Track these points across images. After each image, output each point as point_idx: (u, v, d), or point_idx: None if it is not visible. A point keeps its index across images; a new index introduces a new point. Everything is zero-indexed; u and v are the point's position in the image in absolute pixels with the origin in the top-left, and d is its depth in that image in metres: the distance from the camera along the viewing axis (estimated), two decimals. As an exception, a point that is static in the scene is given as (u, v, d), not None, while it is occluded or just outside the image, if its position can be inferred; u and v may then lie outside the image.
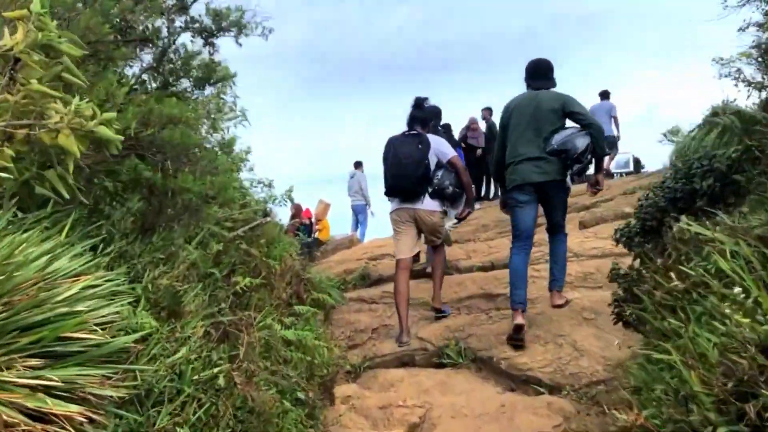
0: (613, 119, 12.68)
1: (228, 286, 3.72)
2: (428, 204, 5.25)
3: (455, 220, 6.47)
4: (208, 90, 4.93)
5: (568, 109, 4.69)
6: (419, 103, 5.50)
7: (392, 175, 5.22)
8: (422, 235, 5.55)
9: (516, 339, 4.41)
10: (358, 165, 13.66)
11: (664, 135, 20.22)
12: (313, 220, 12.69)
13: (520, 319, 4.40)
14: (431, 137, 5.33)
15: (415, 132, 5.33)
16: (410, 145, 5.19)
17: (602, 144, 4.76)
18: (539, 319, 4.61)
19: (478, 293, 5.65)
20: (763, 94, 11.34)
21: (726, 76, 13.43)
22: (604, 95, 13.12)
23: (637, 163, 15.64)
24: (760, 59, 11.16)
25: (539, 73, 4.95)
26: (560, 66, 5.27)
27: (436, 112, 6.90)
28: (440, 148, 5.30)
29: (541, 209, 4.90)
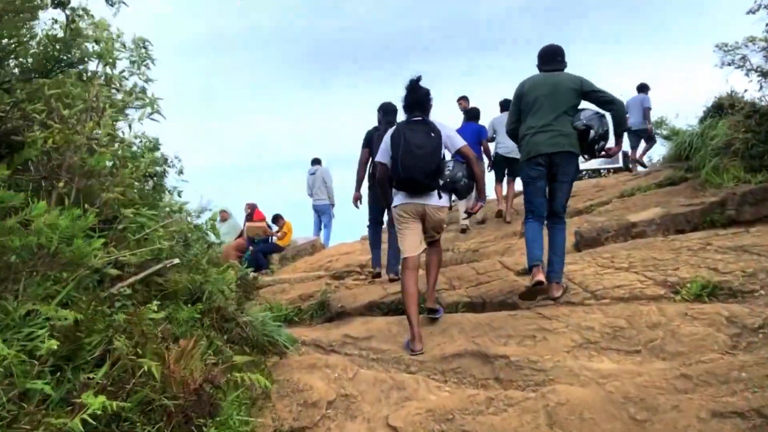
0: (644, 111, 12.51)
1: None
2: (438, 199, 4.81)
3: (465, 215, 7.02)
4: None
5: (587, 89, 4.81)
6: (414, 85, 4.88)
7: (404, 167, 4.63)
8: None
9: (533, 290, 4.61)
10: (316, 162, 12.17)
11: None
12: (270, 225, 11.09)
13: (540, 276, 4.63)
14: (438, 124, 4.84)
15: (419, 118, 4.84)
16: (421, 134, 4.70)
17: (624, 121, 4.92)
18: (565, 417, 3.13)
19: (469, 350, 4.17)
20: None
21: (729, 64, 12.16)
22: (641, 88, 12.70)
23: (626, 157, 14.30)
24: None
25: (553, 57, 5.05)
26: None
27: (392, 109, 6.93)
28: (450, 137, 4.85)
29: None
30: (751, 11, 10.27)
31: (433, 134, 4.71)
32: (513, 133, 5.19)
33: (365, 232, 11.45)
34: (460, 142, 4.88)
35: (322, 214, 12.08)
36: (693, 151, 10.49)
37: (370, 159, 6.91)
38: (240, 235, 11.45)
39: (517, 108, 5.07)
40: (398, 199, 4.90)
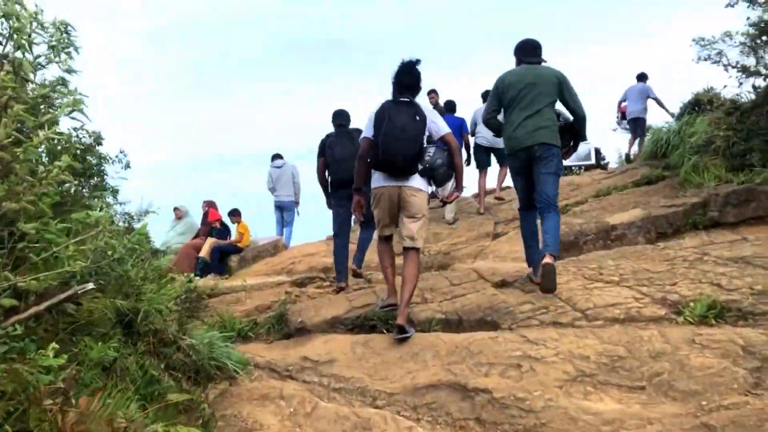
0: (654, 101, 12.30)
1: None
2: (415, 181, 4.64)
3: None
4: None
5: (565, 87, 4.84)
6: (411, 67, 4.70)
7: (385, 148, 4.48)
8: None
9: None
10: (279, 156, 11.46)
11: (618, 123, 18.66)
12: (225, 223, 10.36)
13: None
14: (425, 108, 4.70)
15: (407, 99, 4.65)
16: (407, 116, 4.53)
17: (584, 132, 5.02)
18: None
19: (445, 381, 3.59)
20: (757, 81, 9.67)
21: (706, 59, 11.77)
22: (641, 77, 12.41)
23: (598, 154, 13.92)
24: (757, 40, 9.45)
25: (533, 50, 5.08)
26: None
27: (345, 115, 6.91)
28: (435, 122, 4.67)
29: None
30: (730, 5, 9.87)
31: (418, 117, 4.55)
32: (490, 123, 5.15)
33: (331, 231, 10.89)
34: (445, 129, 4.70)
35: (286, 211, 11.39)
36: (670, 148, 10.08)
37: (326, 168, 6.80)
38: (197, 235, 10.72)
39: (497, 99, 5.04)
40: (375, 180, 4.76)
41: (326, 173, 6.84)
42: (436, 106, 11.08)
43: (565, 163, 13.89)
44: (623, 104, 12.69)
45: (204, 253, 9.65)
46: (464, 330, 4.44)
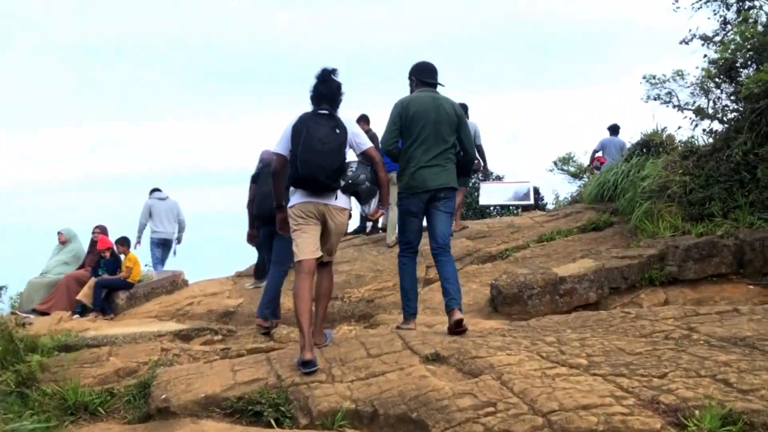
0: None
1: None
2: (340, 200, 4.35)
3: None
4: None
5: (461, 125, 4.83)
6: (327, 77, 4.39)
7: (303, 161, 4.10)
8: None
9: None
10: (158, 190, 10.31)
11: (555, 163, 18.04)
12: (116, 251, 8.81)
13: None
14: (346, 120, 4.39)
15: (326, 111, 4.32)
16: (326, 128, 4.20)
17: (470, 172, 5.48)
18: None
19: None
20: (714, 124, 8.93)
21: (655, 99, 11.08)
22: (615, 130, 11.88)
23: (537, 194, 13.07)
24: (710, 82, 8.72)
25: (434, 74, 4.97)
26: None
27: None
28: (357, 135, 4.41)
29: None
30: (685, 41, 9.18)
31: (338, 130, 4.22)
32: (392, 153, 4.91)
33: (239, 267, 9.50)
34: (367, 143, 4.42)
35: (167, 248, 10.09)
36: (618, 191, 9.21)
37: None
38: (83, 265, 9.15)
39: (398, 128, 4.82)
40: (296, 197, 4.31)
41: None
42: (368, 133, 10.00)
43: (503, 202, 13.04)
44: (598, 154, 11.96)
45: (83, 295, 8.10)
46: (380, 429, 3.20)
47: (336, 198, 4.29)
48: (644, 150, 9.40)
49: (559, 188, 15.90)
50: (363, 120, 10.06)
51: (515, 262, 7.63)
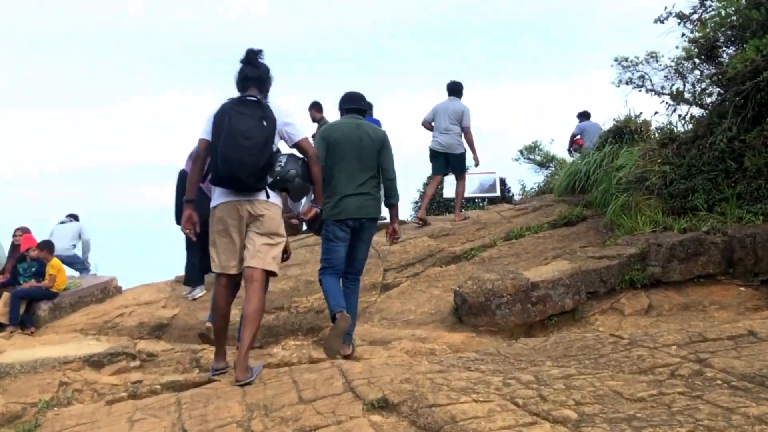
0: None
1: None
2: (265, 195, 3.81)
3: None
4: None
5: (382, 149, 4.78)
6: (252, 58, 3.98)
7: (224, 158, 3.62)
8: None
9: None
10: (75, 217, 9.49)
11: (521, 152, 17.33)
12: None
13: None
14: (276, 108, 3.88)
15: (254, 98, 3.83)
16: (251, 119, 3.70)
17: (397, 197, 4.88)
18: None
19: None
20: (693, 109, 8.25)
21: (627, 83, 10.37)
22: (586, 116, 11.61)
23: (503, 185, 12.33)
24: (696, 59, 8.02)
25: (354, 100, 4.96)
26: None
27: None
28: (289, 125, 3.91)
29: None
30: (660, 20, 8.42)
31: (265, 122, 3.76)
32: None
33: (180, 271, 8.54)
34: (300, 134, 4.00)
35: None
36: (591, 183, 8.50)
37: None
38: (2, 271, 8.12)
39: (324, 153, 4.66)
40: (216, 196, 3.87)
41: None
42: (320, 121, 9.16)
43: (468, 195, 12.26)
44: (577, 137, 11.47)
45: (-1, 315, 7.11)
46: None
47: (262, 194, 3.83)
48: (617, 138, 8.67)
49: (526, 178, 15.14)
50: (315, 107, 9.22)
51: (482, 264, 6.85)
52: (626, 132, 8.62)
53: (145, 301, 7.50)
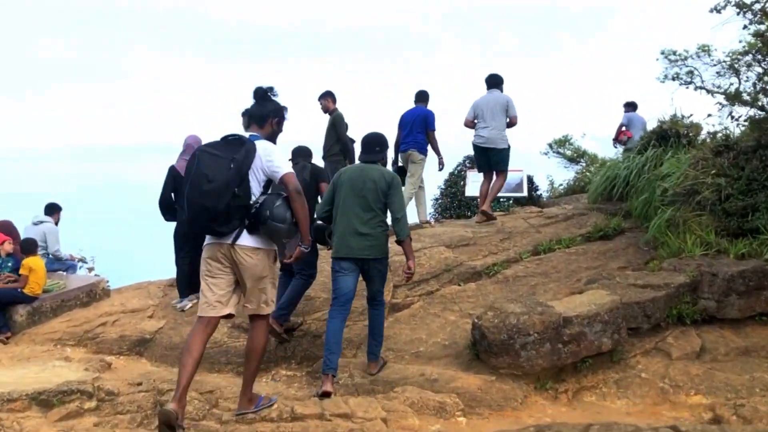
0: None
1: None
2: (248, 239, 3.75)
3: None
4: None
5: (389, 193, 4.74)
6: (262, 95, 4.02)
7: (188, 203, 3.64)
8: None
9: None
10: (53, 209, 8.55)
11: (550, 146, 16.33)
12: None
13: (328, 386, 4.32)
14: (261, 145, 3.80)
15: (237, 137, 3.80)
16: (220, 161, 3.63)
17: (405, 234, 4.79)
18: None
19: None
20: (746, 111, 7.22)
21: (674, 78, 9.32)
22: (633, 107, 10.55)
23: (531, 183, 11.40)
24: (759, 55, 7.01)
25: (366, 150, 5.01)
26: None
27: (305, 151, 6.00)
28: (270, 162, 3.77)
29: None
30: (716, 9, 7.41)
31: (233, 164, 3.59)
32: (324, 218, 4.90)
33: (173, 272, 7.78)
34: (283, 169, 3.80)
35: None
36: (630, 190, 7.57)
37: None
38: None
39: (332, 195, 4.83)
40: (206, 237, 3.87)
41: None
42: (333, 112, 8.32)
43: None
44: (624, 128, 10.48)
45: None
46: None
47: (241, 237, 3.74)
48: (661, 141, 7.70)
49: (554, 174, 14.12)
50: (327, 97, 8.36)
51: (505, 283, 6.00)
52: (671, 134, 7.64)
53: (132, 309, 6.77)
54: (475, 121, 7.80)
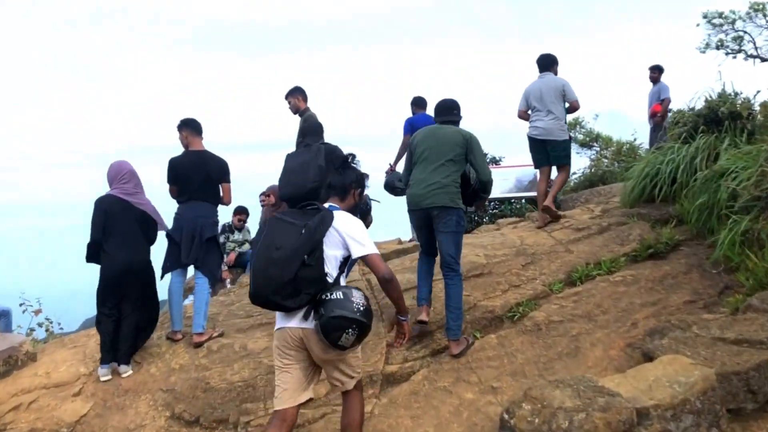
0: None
1: None
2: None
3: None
4: None
5: (470, 151, 4.62)
6: (340, 165, 3.64)
7: (253, 273, 3.23)
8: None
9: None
10: None
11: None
12: None
13: (424, 315, 4.49)
14: (341, 216, 3.33)
15: (315, 207, 3.35)
16: (291, 228, 3.22)
17: (488, 192, 4.83)
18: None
19: None
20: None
21: (719, 47, 7.60)
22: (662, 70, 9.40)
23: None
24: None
25: (448, 110, 4.88)
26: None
27: (316, 128, 5.71)
28: (350, 237, 3.27)
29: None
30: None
31: (304, 230, 3.17)
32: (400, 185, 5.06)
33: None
34: (366, 249, 3.25)
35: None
36: (678, 189, 5.98)
37: None
38: None
39: (410, 161, 4.82)
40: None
41: None
42: (304, 112, 6.70)
43: (501, 194, 9.75)
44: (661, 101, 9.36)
45: None
46: None
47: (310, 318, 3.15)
48: (711, 125, 6.09)
49: (573, 164, 12.48)
50: (296, 94, 6.74)
51: (536, 333, 4.44)
52: (723, 116, 6.03)
53: (56, 382, 5.23)
54: (529, 112, 6.70)
